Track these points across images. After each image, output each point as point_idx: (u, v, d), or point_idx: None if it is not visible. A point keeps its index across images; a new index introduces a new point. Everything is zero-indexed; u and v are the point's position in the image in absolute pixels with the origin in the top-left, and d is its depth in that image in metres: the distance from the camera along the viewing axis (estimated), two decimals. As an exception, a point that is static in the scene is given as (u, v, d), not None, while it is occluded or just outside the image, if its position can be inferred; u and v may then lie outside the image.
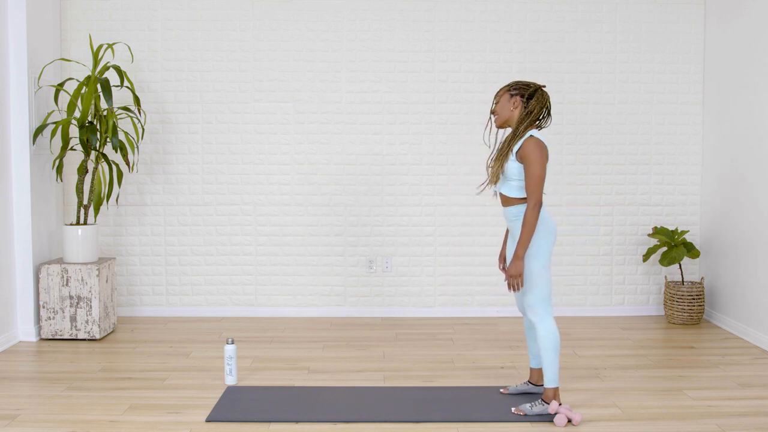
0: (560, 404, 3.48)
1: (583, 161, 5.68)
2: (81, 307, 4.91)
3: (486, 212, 5.68)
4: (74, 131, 5.48)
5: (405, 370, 4.31)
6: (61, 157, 5.02)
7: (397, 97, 5.62)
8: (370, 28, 5.59)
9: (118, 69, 5.07)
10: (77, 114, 5.27)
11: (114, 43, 5.17)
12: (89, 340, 4.97)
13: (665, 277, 5.56)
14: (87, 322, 4.92)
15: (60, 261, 5.03)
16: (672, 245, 5.41)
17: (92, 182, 5.04)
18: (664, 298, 5.53)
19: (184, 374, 4.21)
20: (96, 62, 5.06)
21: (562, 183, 5.68)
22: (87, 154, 5.01)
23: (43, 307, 4.91)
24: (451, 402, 3.71)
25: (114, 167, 5.57)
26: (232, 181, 5.64)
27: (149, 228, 5.65)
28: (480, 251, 5.69)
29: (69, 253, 4.96)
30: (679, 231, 5.64)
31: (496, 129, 4.30)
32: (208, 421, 3.48)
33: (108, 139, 5.05)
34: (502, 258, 3.78)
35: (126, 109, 5.13)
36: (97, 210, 5.09)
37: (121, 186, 5.61)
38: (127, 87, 5.17)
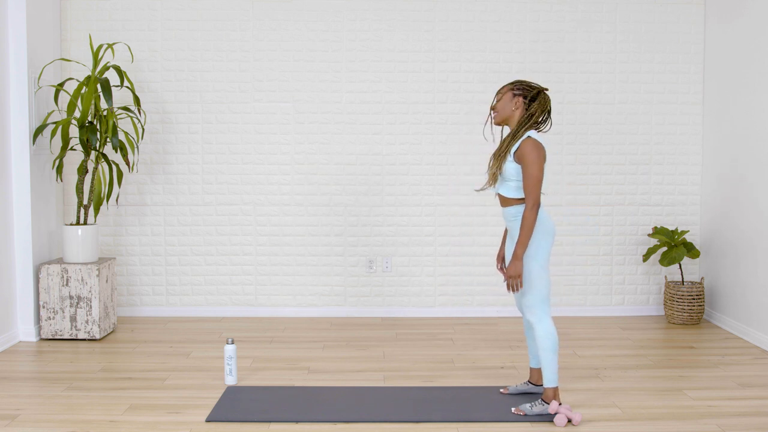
0: (560, 404, 3.48)
1: (583, 161, 5.68)
2: (81, 307, 4.91)
3: (486, 212, 5.68)
4: (74, 131, 5.48)
5: (405, 370, 4.31)
6: (61, 157, 5.02)
7: (397, 97, 5.62)
8: (370, 28, 5.59)
9: (118, 69, 5.07)
10: (77, 114, 5.27)
11: (114, 43, 5.17)
12: (89, 340, 4.97)
13: (665, 277, 5.56)
14: (87, 322, 4.92)
15: (60, 261, 5.03)
16: (672, 245, 5.41)
17: (92, 182, 5.04)
18: (664, 298, 5.53)
19: (184, 374, 4.21)
20: (96, 62, 5.06)
21: (562, 183, 5.68)
22: (87, 154, 5.01)
23: (43, 307, 4.91)
24: (451, 402, 3.71)
25: (114, 167, 5.57)
26: (232, 181, 5.64)
27: (149, 228, 5.66)
28: (480, 251, 5.69)
29: (69, 253, 4.96)
30: (679, 231, 5.64)
31: (495, 125, 4.30)
32: (208, 421, 3.48)
33: (108, 139, 5.05)
34: (501, 258, 3.79)
35: (126, 109, 5.14)
36: (97, 210, 5.09)
37: (121, 186, 5.61)
38: (127, 87, 5.17)
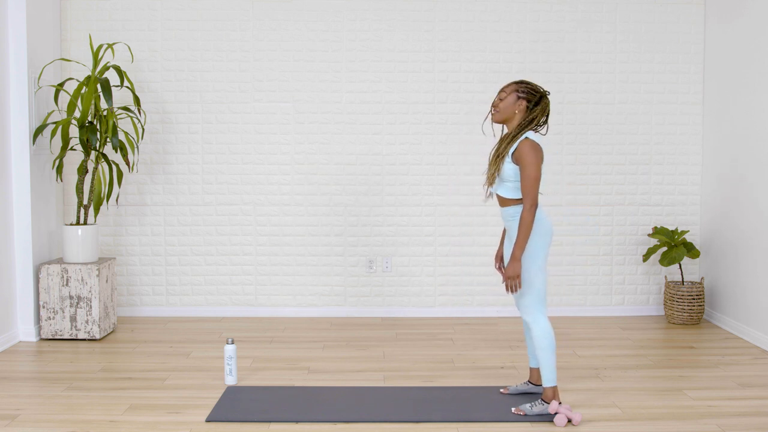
0: (560, 404, 3.48)
1: (583, 161, 5.68)
2: (81, 307, 4.91)
3: (486, 212, 5.68)
4: (74, 131, 5.48)
5: (405, 370, 4.31)
6: (61, 157, 5.02)
7: (397, 97, 5.62)
8: (370, 28, 5.59)
9: (118, 69, 5.07)
10: (77, 114, 5.27)
11: (114, 43, 5.17)
12: (89, 340, 4.97)
13: (665, 277, 5.56)
14: (87, 322, 4.92)
15: (60, 261, 5.03)
16: (672, 245, 5.41)
17: (92, 182, 5.04)
18: (664, 298, 5.53)
19: (184, 374, 4.21)
20: (96, 62, 5.06)
21: (562, 183, 5.68)
22: (87, 154, 5.01)
23: (43, 307, 4.91)
24: (451, 402, 3.71)
25: (114, 167, 5.57)
26: (232, 181, 5.64)
27: (149, 228, 5.66)
28: (480, 251, 5.69)
29: (69, 253, 4.96)
30: (679, 231, 5.64)
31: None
32: (208, 421, 3.48)
33: (108, 139, 5.05)
34: (499, 257, 3.79)
35: (126, 109, 5.14)
36: (97, 210, 5.09)
37: (121, 186, 5.61)
38: (127, 87, 5.17)
